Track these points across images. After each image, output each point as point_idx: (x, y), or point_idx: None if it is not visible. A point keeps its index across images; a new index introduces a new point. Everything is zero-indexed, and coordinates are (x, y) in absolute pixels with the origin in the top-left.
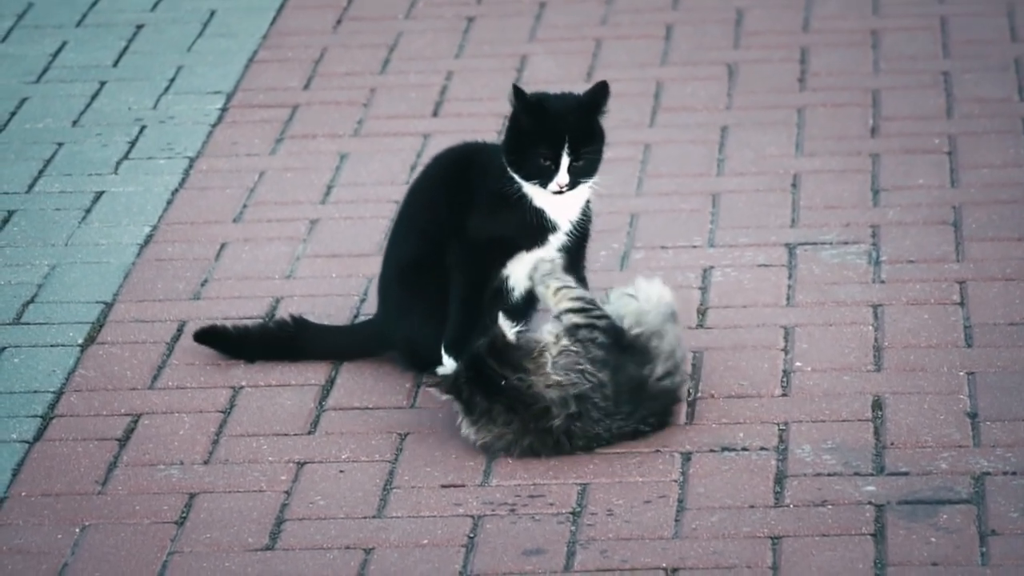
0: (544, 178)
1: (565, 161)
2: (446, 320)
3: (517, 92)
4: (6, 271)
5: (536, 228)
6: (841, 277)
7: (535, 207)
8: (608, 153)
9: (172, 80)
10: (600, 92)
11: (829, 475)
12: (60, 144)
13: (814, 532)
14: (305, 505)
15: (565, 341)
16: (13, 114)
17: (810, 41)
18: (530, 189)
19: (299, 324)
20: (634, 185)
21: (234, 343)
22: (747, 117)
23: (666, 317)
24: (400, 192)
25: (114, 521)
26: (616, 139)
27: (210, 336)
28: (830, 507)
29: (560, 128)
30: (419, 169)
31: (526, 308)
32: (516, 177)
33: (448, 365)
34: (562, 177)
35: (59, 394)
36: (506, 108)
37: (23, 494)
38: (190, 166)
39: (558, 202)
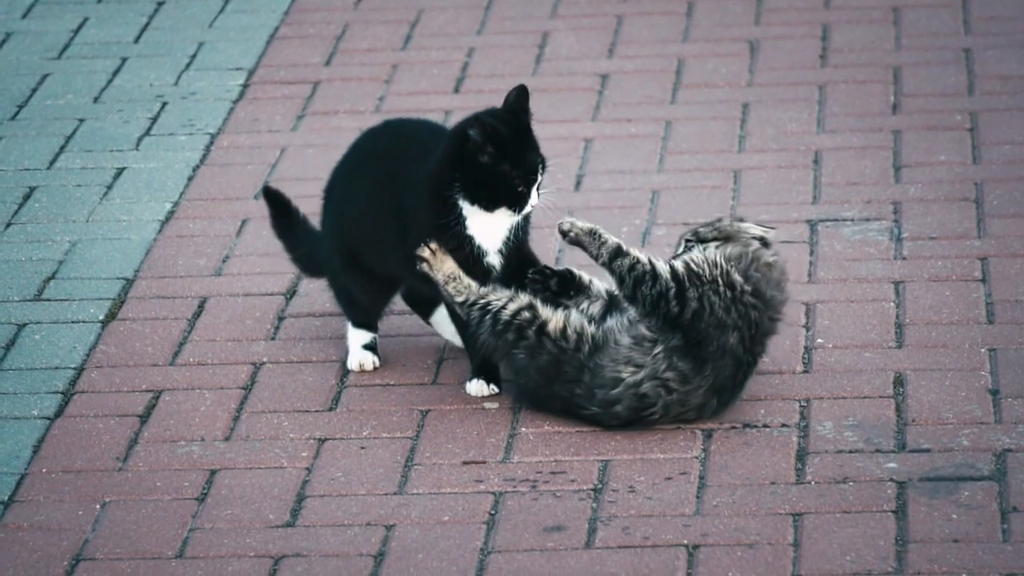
0: (519, 203)
1: (539, 180)
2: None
3: (480, 131)
4: (27, 247)
5: (473, 257)
6: (862, 254)
7: (468, 235)
8: (630, 129)
9: (193, 56)
10: (523, 97)
11: (850, 452)
12: (81, 120)
13: (835, 509)
14: (326, 482)
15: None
16: (34, 90)
17: (832, 18)
18: (474, 216)
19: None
20: (656, 162)
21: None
22: (768, 94)
23: None
24: None
25: (135, 497)
26: (638, 116)
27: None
28: (851, 484)
29: (530, 152)
30: None
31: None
32: (469, 206)
33: (475, 389)
34: (534, 199)
35: (80, 370)
36: (527, 84)
37: (44, 471)
38: (211, 142)
39: (492, 228)
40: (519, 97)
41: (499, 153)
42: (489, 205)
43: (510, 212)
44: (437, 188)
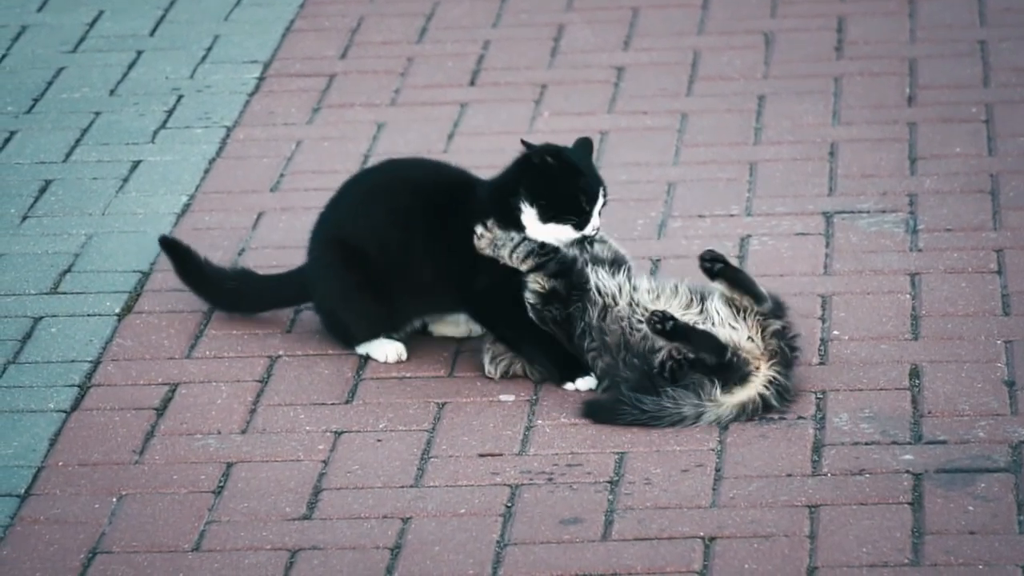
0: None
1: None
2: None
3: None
4: (43, 240)
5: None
6: (878, 246)
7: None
8: (646, 122)
9: (209, 49)
10: (588, 146)
11: (867, 444)
12: (97, 113)
13: (852, 501)
14: (342, 474)
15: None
16: (50, 84)
17: (847, 10)
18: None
19: (245, 275)
20: (671, 154)
21: (192, 270)
22: (784, 86)
23: None
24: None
25: (151, 491)
26: (653, 108)
27: (174, 249)
28: (868, 476)
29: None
30: (457, 139)
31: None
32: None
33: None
34: (596, 221)
35: (96, 364)
36: (542, 77)
37: (60, 464)
38: (227, 135)
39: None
40: (584, 146)
41: (567, 172)
42: (554, 217)
43: (573, 229)
44: (503, 197)
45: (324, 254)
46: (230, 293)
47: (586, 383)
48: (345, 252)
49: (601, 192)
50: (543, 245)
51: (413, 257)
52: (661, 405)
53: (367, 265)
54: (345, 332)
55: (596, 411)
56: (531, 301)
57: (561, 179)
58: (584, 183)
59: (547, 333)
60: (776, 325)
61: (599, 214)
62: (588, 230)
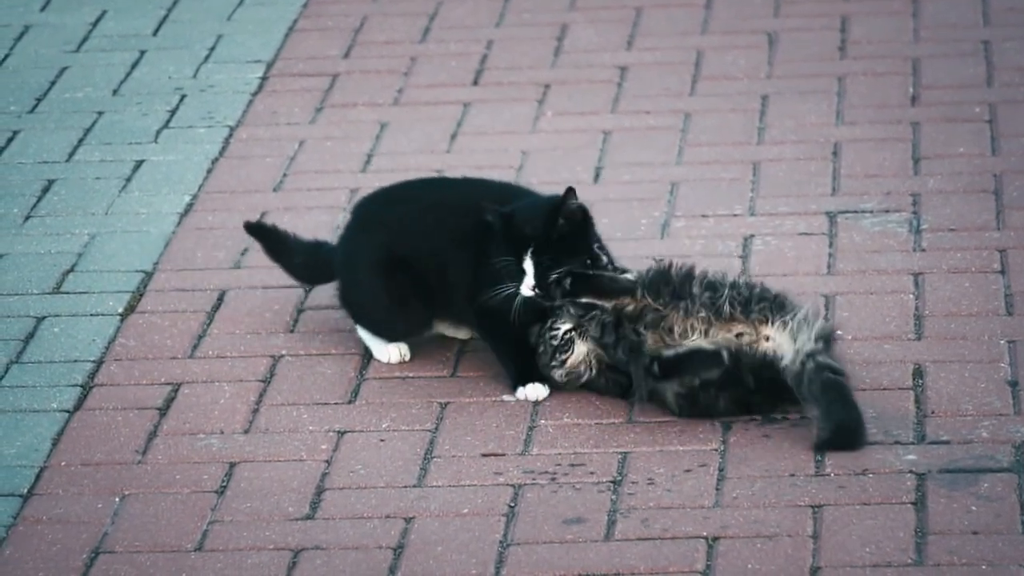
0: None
1: (530, 265)
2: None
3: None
4: (46, 240)
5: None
6: (882, 245)
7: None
8: (649, 122)
9: (212, 49)
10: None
11: (870, 444)
12: (100, 113)
13: (855, 501)
14: (345, 474)
15: None
16: (53, 83)
17: (850, 9)
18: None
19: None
20: (674, 154)
21: (283, 249)
22: (787, 86)
23: None
24: (440, 161)
25: (154, 490)
26: (656, 108)
27: (260, 231)
28: (871, 476)
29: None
30: (460, 139)
31: None
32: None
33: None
34: (529, 280)
35: (99, 363)
36: (545, 77)
37: (63, 463)
38: (230, 135)
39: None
40: (569, 194)
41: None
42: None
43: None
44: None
45: (372, 254)
46: (309, 266)
47: (535, 391)
48: (396, 258)
49: (531, 247)
50: (586, 306)
51: (462, 277)
52: (800, 378)
53: (412, 274)
54: (370, 320)
55: (842, 440)
56: (567, 375)
57: (495, 240)
58: (508, 241)
59: (522, 340)
60: (724, 300)
61: (537, 272)
62: (524, 289)
